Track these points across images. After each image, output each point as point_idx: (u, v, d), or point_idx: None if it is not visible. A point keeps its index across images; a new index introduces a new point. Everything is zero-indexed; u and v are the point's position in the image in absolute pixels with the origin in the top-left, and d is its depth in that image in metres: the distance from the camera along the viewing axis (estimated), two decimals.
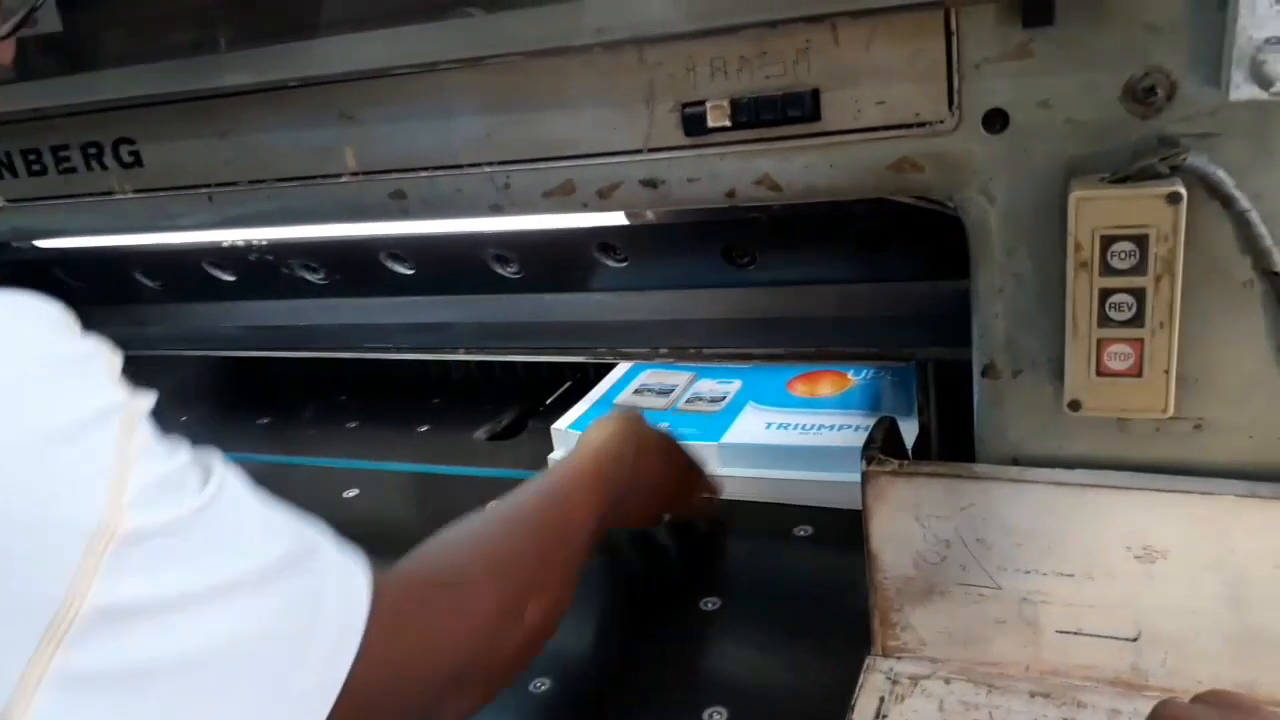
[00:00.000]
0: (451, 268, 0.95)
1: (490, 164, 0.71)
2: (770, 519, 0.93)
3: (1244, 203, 0.53)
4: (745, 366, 1.12)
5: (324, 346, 1.10)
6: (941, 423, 0.87)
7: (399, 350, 1.05)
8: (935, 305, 0.80)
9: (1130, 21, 0.52)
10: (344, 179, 0.76)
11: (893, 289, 0.83)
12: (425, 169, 0.73)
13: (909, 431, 0.87)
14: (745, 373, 1.14)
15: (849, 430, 0.99)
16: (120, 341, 1.31)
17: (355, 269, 1.00)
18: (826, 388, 1.09)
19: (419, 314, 1.01)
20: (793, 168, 0.63)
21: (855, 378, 1.09)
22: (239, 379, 1.46)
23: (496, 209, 0.73)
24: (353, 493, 1.10)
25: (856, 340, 0.87)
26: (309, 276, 1.03)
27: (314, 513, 1.08)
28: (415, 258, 0.96)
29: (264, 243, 0.99)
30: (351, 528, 0.99)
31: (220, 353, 1.21)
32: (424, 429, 1.25)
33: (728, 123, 0.62)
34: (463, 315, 0.99)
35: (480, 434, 1.20)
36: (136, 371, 1.44)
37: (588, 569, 0.77)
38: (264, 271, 1.03)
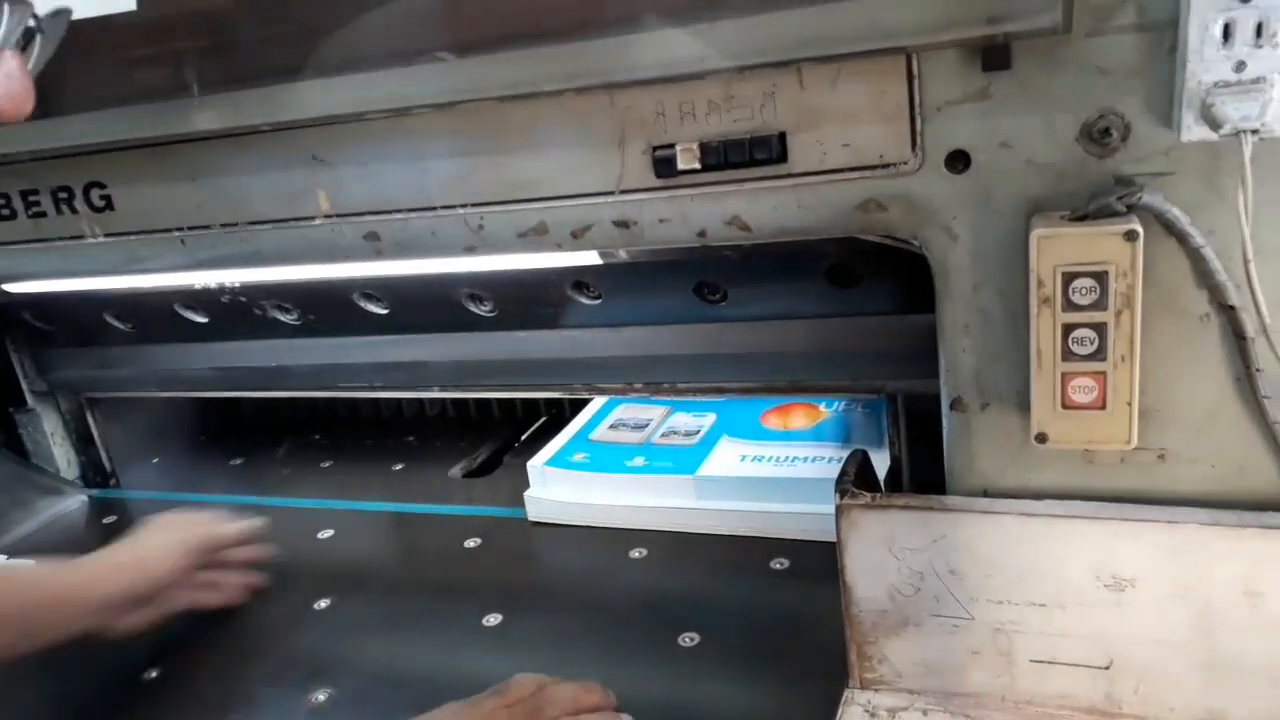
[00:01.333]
0: (425, 307, 0.95)
1: (464, 206, 0.71)
2: (747, 552, 0.93)
3: (1198, 239, 0.55)
4: (719, 399, 1.13)
5: (298, 386, 1.10)
6: (914, 453, 0.88)
7: (373, 389, 1.05)
8: (905, 339, 0.81)
9: (1084, 66, 0.54)
10: (317, 221, 0.76)
11: (863, 323, 0.84)
12: (399, 211, 0.73)
13: (882, 462, 0.88)
14: (720, 405, 1.15)
15: (822, 462, 1.00)
16: (91, 384, 1.30)
17: (328, 309, 1.00)
18: (799, 420, 1.10)
19: (393, 353, 1.01)
20: (762, 208, 0.65)
21: (827, 410, 1.10)
22: (213, 420, 1.45)
23: (471, 250, 0.74)
24: (328, 533, 1.09)
25: (828, 374, 0.88)
26: (282, 317, 1.02)
27: (289, 554, 1.08)
28: (389, 297, 0.96)
29: (236, 284, 0.99)
30: (327, 569, 1.00)
31: (193, 394, 1.20)
32: (399, 467, 1.24)
33: (697, 165, 0.64)
34: (437, 353, 1.00)
35: (455, 471, 1.20)
36: (108, 413, 1.42)
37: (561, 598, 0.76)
38: (237, 312, 1.03)
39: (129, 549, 0.89)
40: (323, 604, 0.94)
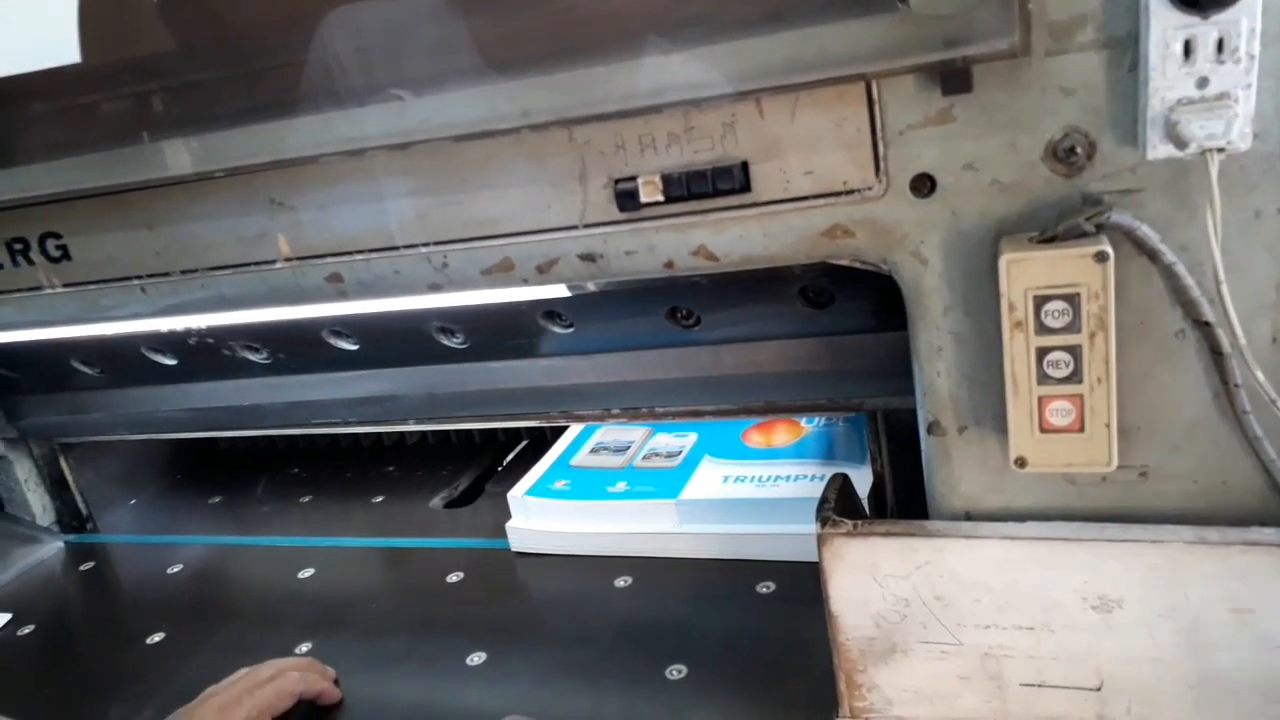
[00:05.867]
0: (396, 341, 0.94)
1: (427, 244, 0.70)
2: (732, 576, 0.92)
3: (1170, 256, 0.54)
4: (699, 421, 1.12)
5: (270, 424, 1.08)
6: (897, 468, 0.87)
7: (346, 424, 1.03)
8: (881, 356, 0.81)
9: (1046, 86, 0.53)
10: (278, 265, 0.75)
11: (838, 342, 0.83)
12: (361, 252, 0.72)
13: (865, 479, 0.87)
14: (701, 425, 1.14)
15: (805, 480, 0.99)
16: (63, 429, 1.28)
17: (298, 347, 0.98)
18: (781, 437, 1.09)
19: (365, 387, 1.00)
20: (728, 238, 0.63)
21: (809, 425, 1.09)
22: (189, 459, 1.43)
23: (435, 288, 0.72)
24: (308, 572, 1.07)
25: (805, 393, 0.87)
26: (251, 357, 1.01)
27: (269, 595, 1.06)
28: (358, 334, 0.95)
29: (203, 327, 0.97)
30: (307, 610, 0.98)
31: (165, 436, 1.18)
32: (379, 499, 1.22)
33: (660, 197, 0.63)
34: (410, 386, 0.98)
35: (437, 502, 1.19)
36: (82, 457, 1.40)
37: (546, 632, 0.74)
38: (205, 354, 1.01)
39: None
40: (303, 648, 0.92)
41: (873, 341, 0.81)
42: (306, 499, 1.27)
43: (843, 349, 0.83)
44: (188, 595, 1.08)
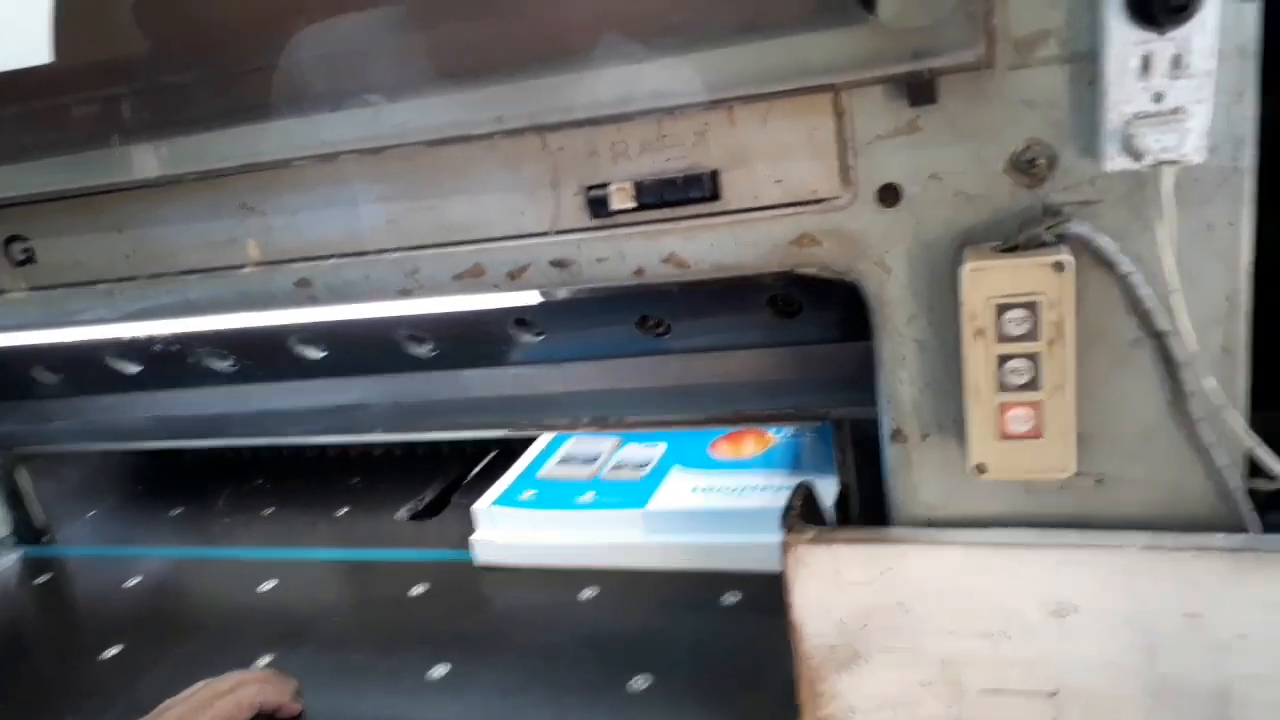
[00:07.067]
0: (364, 349, 0.93)
1: (397, 249, 0.70)
2: (699, 587, 0.92)
3: (1127, 265, 0.55)
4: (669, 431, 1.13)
5: (236, 434, 1.07)
6: (863, 476, 0.88)
7: (313, 434, 1.03)
8: (848, 366, 0.82)
9: (1009, 98, 0.54)
10: (247, 270, 0.75)
11: (806, 351, 0.84)
12: (331, 257, 0.72)
13: (833, 490, 0.87)
14: (670, 435, 1.14)
15: (772, 491, 0.99)
16: (21, 439, 1.26)
17: (264, 355, 0.97)
18: (749, 447, 1.10)
19: (332, 396, 0.99)
20: (698, 245, 0.64)
21: (777, 436, 1.10)
22: (150, 470, 1.41)
23: (406, 293, 0.72)
24: (269, 585, 1.06)
25: (773, 402, 0.88)
26: (217, 365, 1.00)
27: (230, 608, 1.05)
28: (326, 341, 0.94)
29: (169, 334, 0.96)
30: (268, 624, 0.97)
31: (128, 445, 1.16)
32: (343, 512, 1.21)
33: (632, 204, 0.63)
34: (378, 395, 0.98)
35: (402, 513, 1.18)
36: (40, 468, 1.38)
37: (509, 645, 0.73)
38: (170, 362, 1.00)
39: None
40: (263, 661, 0.91)
41: (840, 351, 0.82)
42: (270, 511, 1.26)
43: (811, 358, 0.84)
44: (147, 608, 1.07)
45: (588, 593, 0.94)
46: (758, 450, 1.09)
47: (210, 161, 0.68)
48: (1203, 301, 0.55)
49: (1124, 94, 0.50)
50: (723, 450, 1.10)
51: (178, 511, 1.31)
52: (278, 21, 0.63)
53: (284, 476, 1.34)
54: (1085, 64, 0.52)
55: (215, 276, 0.76)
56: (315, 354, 0.96)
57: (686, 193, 0.62)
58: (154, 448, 1.21)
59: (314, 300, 0.75)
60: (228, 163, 0.67)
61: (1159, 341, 0.57)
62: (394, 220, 0.69)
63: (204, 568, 1.14)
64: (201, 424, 1.06)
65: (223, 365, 1.00)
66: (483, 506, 1.03)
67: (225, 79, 0.67)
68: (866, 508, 0.87)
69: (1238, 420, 0.56)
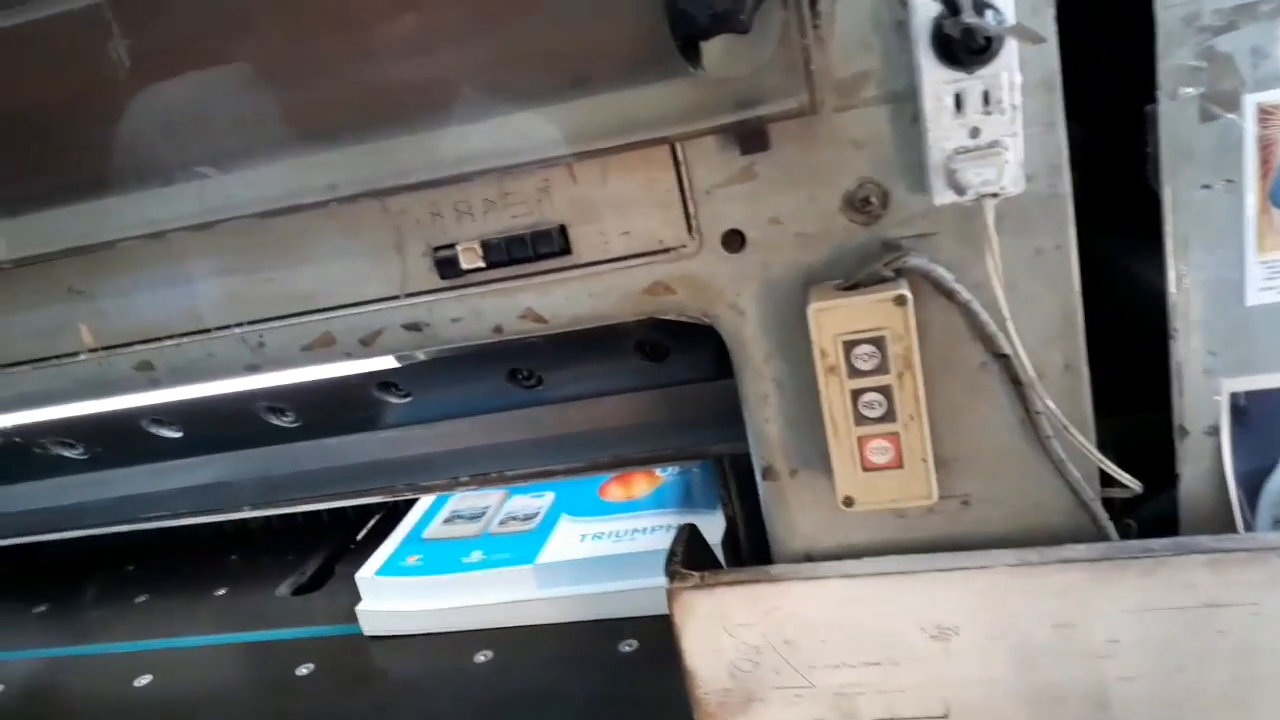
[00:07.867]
0: (223, 425, 0.89)
1: (240, 325, 0.67)
2: (595, 638, 0.91)
3: (965, 294, 0.56)
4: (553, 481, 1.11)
5: (95, 523, 1.01)
6: (748, 511, 0.88)
7: (178, 516, 0.97)
8: (721, 403, 0.81)
9: (838, 140, 0.55)
10: (82, 357, 0.70)
11: (678, 392, 0.84)
12: (170, 337, 0.69)
13: (720, 527, 0.87)
14: (558, 483, 1.12)
15: (662, 531, 0.99)
16: None
17: (117, 439, 0.92)
18: (640, 487, 1.09)
19: (195, 475, 0.94)
20: (554, 300, 0.63)
21: (665, 474, 1.09)
22: (7, 566, 1.31)
23: (253, 369, 0.69)
24: (145, 680, 1.00)
25: (652, 445, 0.87)
26: (67, 453, 0.94)
27: (102, 709, 0.98)
28: (180, 420, 0.90)
29: (8, 426, 0.90)
30: None
31: None
32: (221, 592, 1.16)
33: (482, 263, 0.62)
34: (243, 471, 0.93)
35: (284, 589, 1.13)
36: None
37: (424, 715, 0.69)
38: (14, 455, 0.94)
39: None
40: None
41: (711, 390, 0.82)
42: (143, 598, 1.19)
43: (683, 399, 0.84)
44: (11, 718, 0.99)
45: (482, 656, 0.92)
46: (649, 489, 1.08)
47: (32, 246, 0.64)
48: (1041, 322, 0.57)
49: (943, 131, 0.51)
50: (613, 492, 1.09)
51: (41, 609, 1.23)
52: (101, 94, 0.60)
53: (154, 560, 1.27)
54: (906, 103, 0.53)
55: (49, 366, 0.72)
56: (172, 434, 0.91)
57: (536, 248, 0.61)
58: (4, 545, 1.13)
59: (157, 383, 0.71)
60: (50, 247, 0.64)
61: (1003, 364, 0.58)
62: (234, 294, 0.66)
63: (74, 667, 1.07)
64: (55, 516, 1.00)
65: (73, 453, 0.95)
66: (366, 575, 0.99)
67: (45, 157, 0.63)
68: (754, 541, 0.88)
69: (1081, 436, 0.58)
